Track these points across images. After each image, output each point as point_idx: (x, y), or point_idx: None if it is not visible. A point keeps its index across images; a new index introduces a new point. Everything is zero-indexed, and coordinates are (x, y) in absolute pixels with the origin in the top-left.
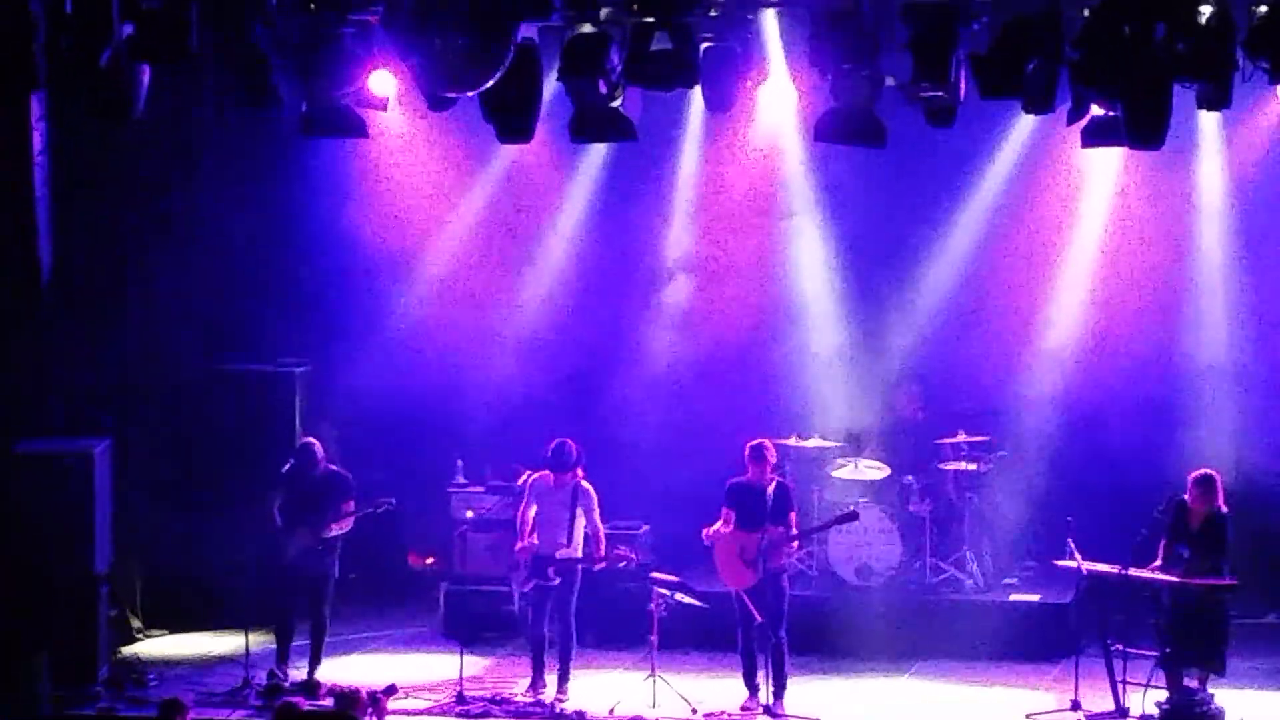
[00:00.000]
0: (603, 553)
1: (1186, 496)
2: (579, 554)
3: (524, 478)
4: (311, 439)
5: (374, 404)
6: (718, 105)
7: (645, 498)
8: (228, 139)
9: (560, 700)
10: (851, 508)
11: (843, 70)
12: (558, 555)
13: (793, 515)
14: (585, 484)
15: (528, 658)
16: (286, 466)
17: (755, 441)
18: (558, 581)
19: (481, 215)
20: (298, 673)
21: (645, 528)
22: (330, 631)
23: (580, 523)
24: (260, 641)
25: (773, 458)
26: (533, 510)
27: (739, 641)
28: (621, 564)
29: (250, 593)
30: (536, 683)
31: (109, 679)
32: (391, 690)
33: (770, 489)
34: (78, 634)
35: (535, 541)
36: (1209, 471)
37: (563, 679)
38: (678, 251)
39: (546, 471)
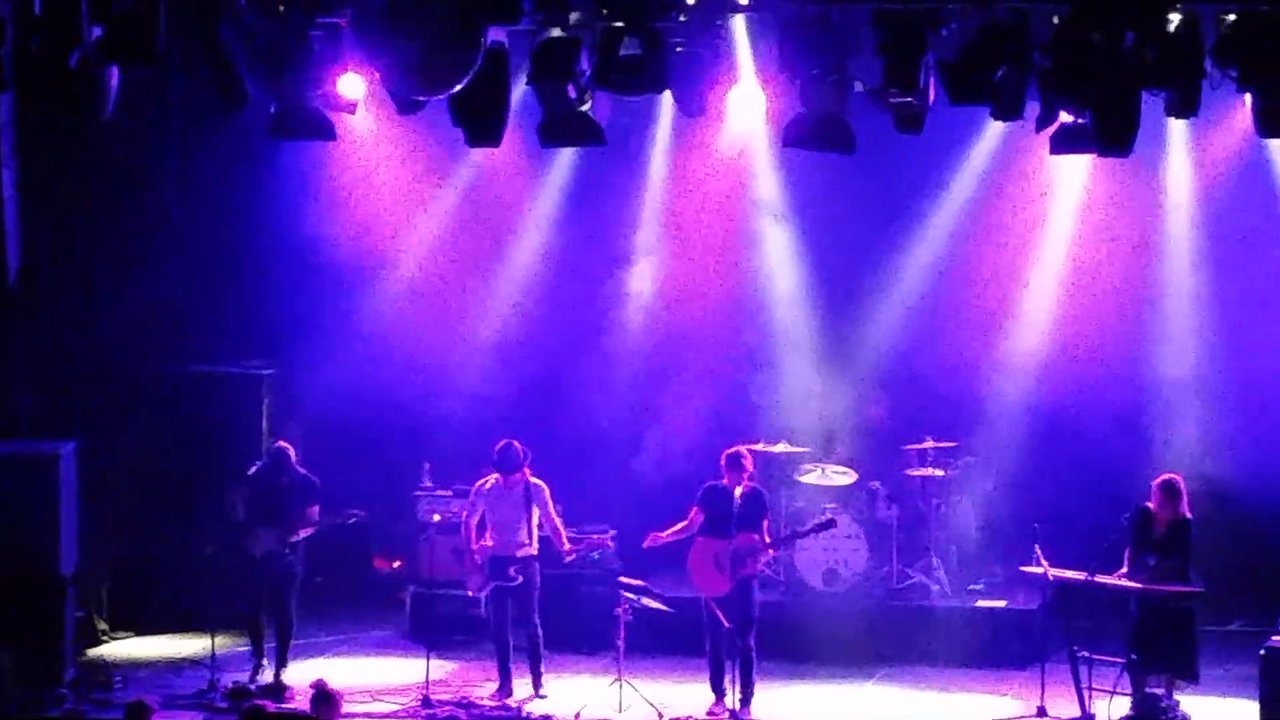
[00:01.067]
0: (565, 545)
1: (1150, 503)
2: (535, 552)
3: (491, 479)
4: (285, 443)
5: (341, 407)
6: (689, 109)
7: (612, 502)
8: (196, 141)
9: (539, 696)
10: (828, 516)
11: (812, 75)
12: (518, 555)
13: (765, 523)
14: (535, 480)
15: (494, 662)
16: (255, 467)
17: (732, 449)
18: (519, 581)
19: (450, 219)
20: (263, 675)
21: (612, 533)
22: (297, 634)
23: (534, 519)
24: (226, 644)
25: (749, 465)
26: (478, 515)
27: (706, 647)
28: (595, 552)
29: (216, 594)
30: (504, 687)
31: (75, 680)
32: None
33: (738, 493)
34: (43, 635)
35: (489, 544)
36: (1172, 477)
37: (536, 678)
38: (646, 256)
39: (494, 474)
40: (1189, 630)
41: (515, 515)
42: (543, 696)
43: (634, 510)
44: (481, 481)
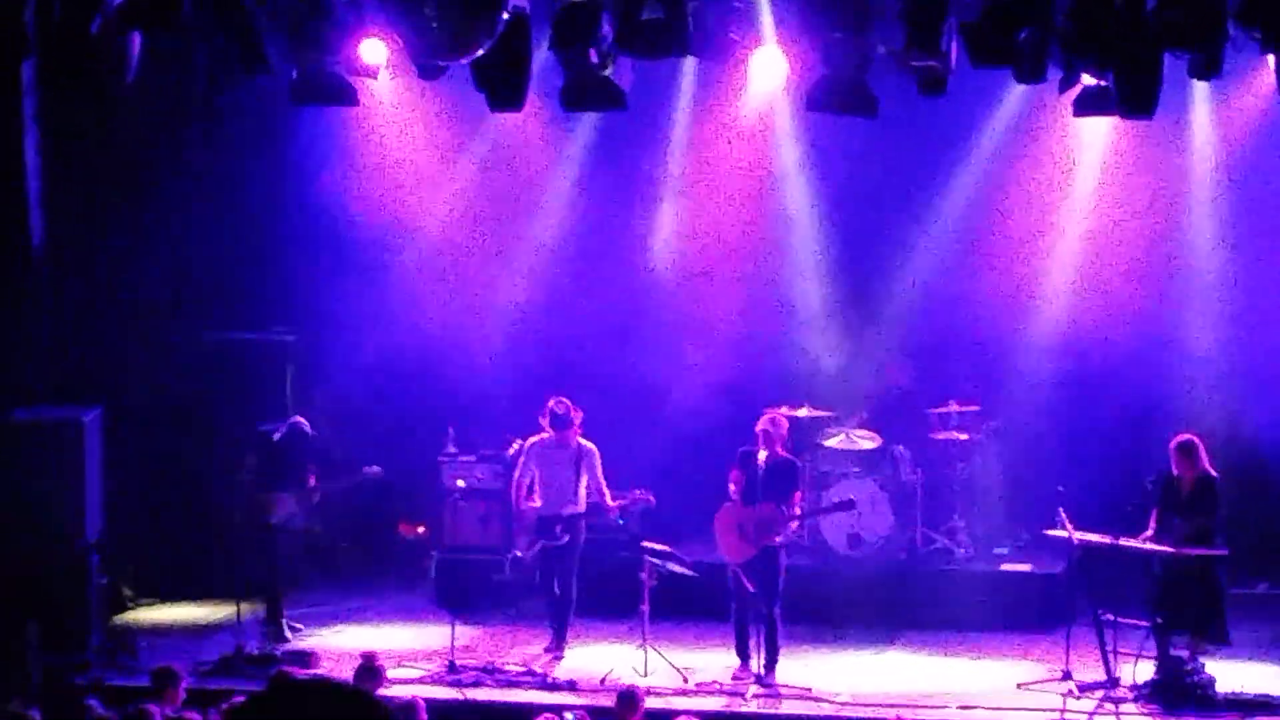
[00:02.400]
0: (612, 504)
1: (1173, 467)
2: (582, 510)
3: (515, 446)
4: (301, 419)
5: (365, 373)
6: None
7: (635, 468)
8: (219, 108)
9: (557, 656)
10: (849, 489)
11: (834, 39)
12: (564, 514)
13: (797, 495)
14: (587, 442)
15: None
16: (277, 432)
17: (766, 416)
18: (566, 539)
19: (472, 183)
20: (288, 642)
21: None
22: (322, 601)
23: (584, 481)
24: (251, 610)
25: (781, 432)
26: (529, 476)
27: (732, 612)
28: (640, 506)
29: (240, 560)
30: (556, 645)
31: (100, 647)
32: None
33: (763, 463)
34: (69, 603)
35: (537, 504)
36: (1189, 436)
37: (560, 637)
38: (667, 218)
39: (545, 433)
40: (1214, 592)
41: (564, 474)
42: (560, 657)
43: (656, 477)
44: (531, 441)
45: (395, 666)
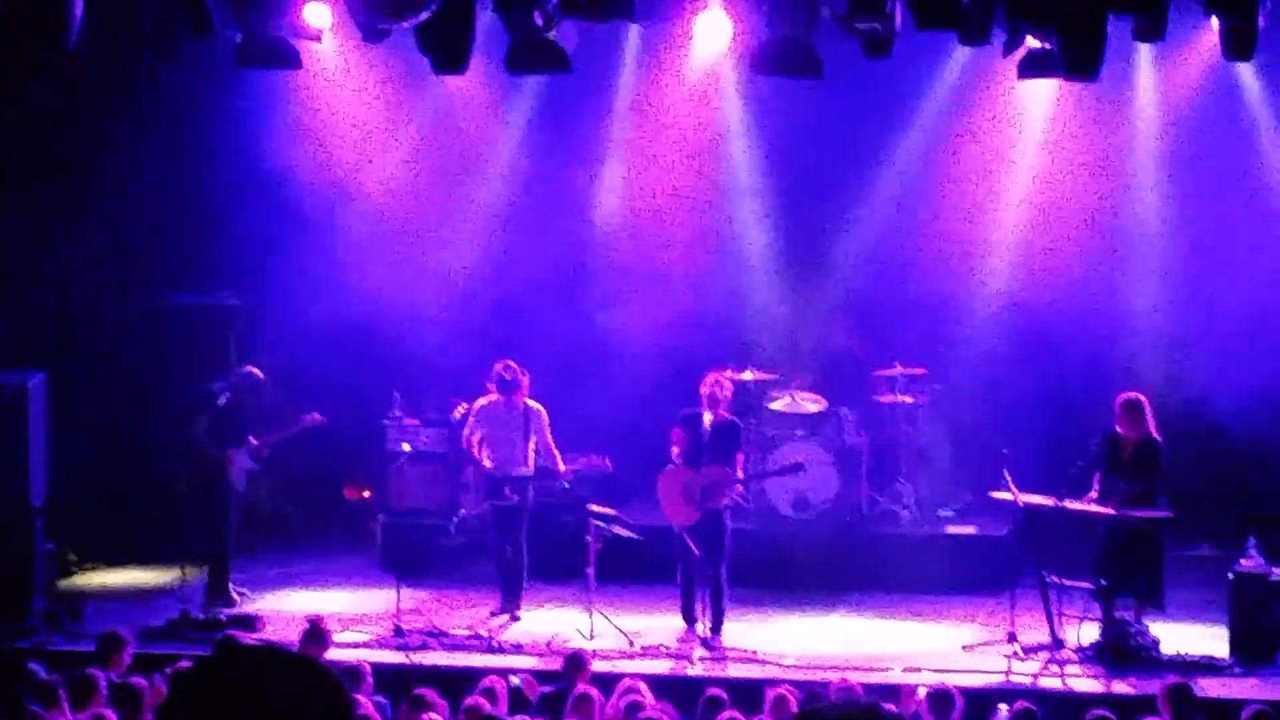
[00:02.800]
0: (561, 467)
1: (1117, 425)
2: (531, 473)
3: (460, 409)
4: (254, 368)
5: (310, 337)
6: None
7: (579, 432)
8: (163, 70)
9: (513, 619)
10: (795, 453)
11: (778, 1)
12: (514, 474)
13: (739, 456)
14: (535, 404)
15: (482, 587)
16: (223, 397)
17: (708, 377)
18: (515, 500)
19: (416, 147)
20: (236, 607)
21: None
22: (268, 564)
23: (532, 443)
24: (197, 574)
25: (724, 394)
26: (478, 434)
27: (678, 575)
28: (596, 472)
29: (186, 524)
30: (506, 606)
31: (45, 612)
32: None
33: (708, 425)
34: (13, 567)
35: (488, 464)
36: (1135, 395)
37: (512, 600)
38: (612, 181)
39: (492, 395)
40: (1156, 555)
41: (512, 435)
42: (516, 618)
43: (601, 440)
44: (479, 402)
45: (341, 630)
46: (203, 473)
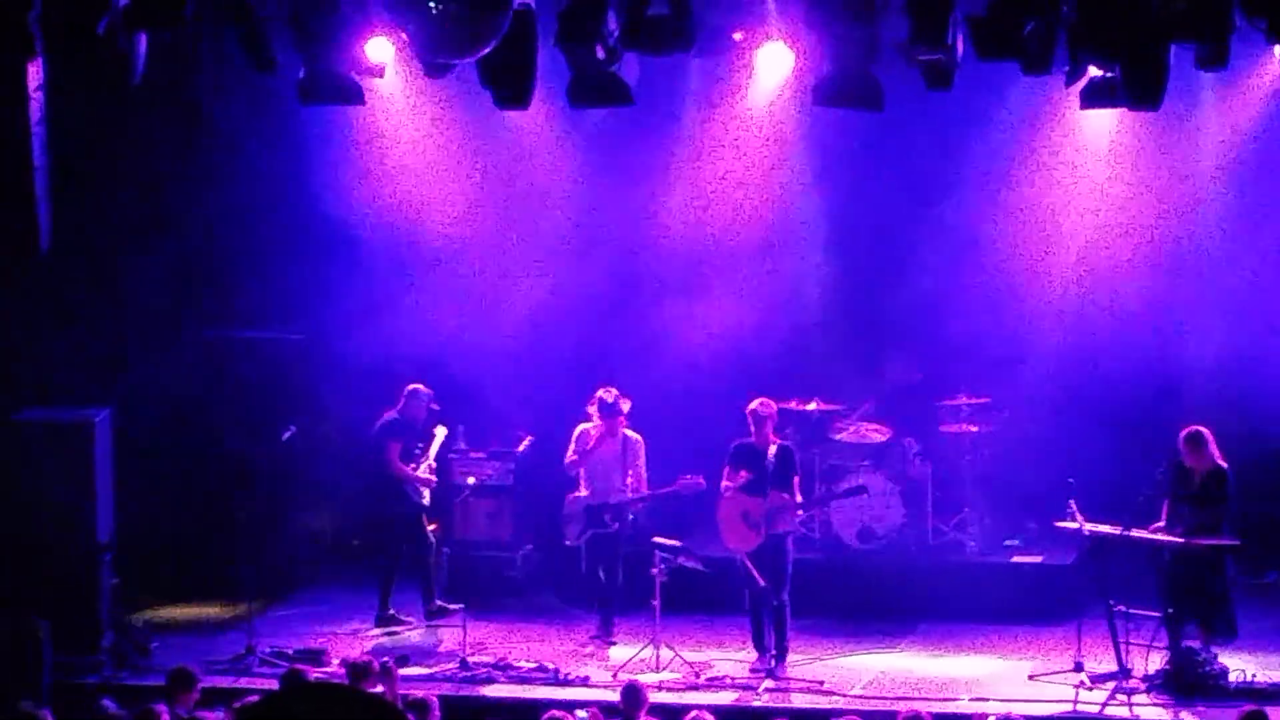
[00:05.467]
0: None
1: (1183, 459)
2: (629, 498)
3: (525, 443)
4: (420, 386)
5: (374, 372)
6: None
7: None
8: (225, 107)
9: (610, 642)
10: (860, 481)
11: (840, 33)
12: (613, 502)
13: (796, 480)
14: (633, 434)
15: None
16: (395, 418)
17: (752, 404)
18: (615, 527)
19: (479, 181)
20: (301, 640)
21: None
22: (332, 599)
23: (629, 472)
24: (260, 609)
25: (767, 413)
26: (579, 460)
27: (747, 604)
28: (692, 491)
29: (250, 559)
30: (603, 631)
31: (112, 647)
32: (403, 660)
33: (771, 452)
34: (80, 603)
35: (584, 493)
36: (1197, 428)
37: (609, 625)
38: (674, 214)
39: (594, 423)
40: (1224, 584)
41: (612, 463)
42: (612, 643)
43: (667, 471)
44: (582, 427)
45: (407, 663)
46: (395, 494)
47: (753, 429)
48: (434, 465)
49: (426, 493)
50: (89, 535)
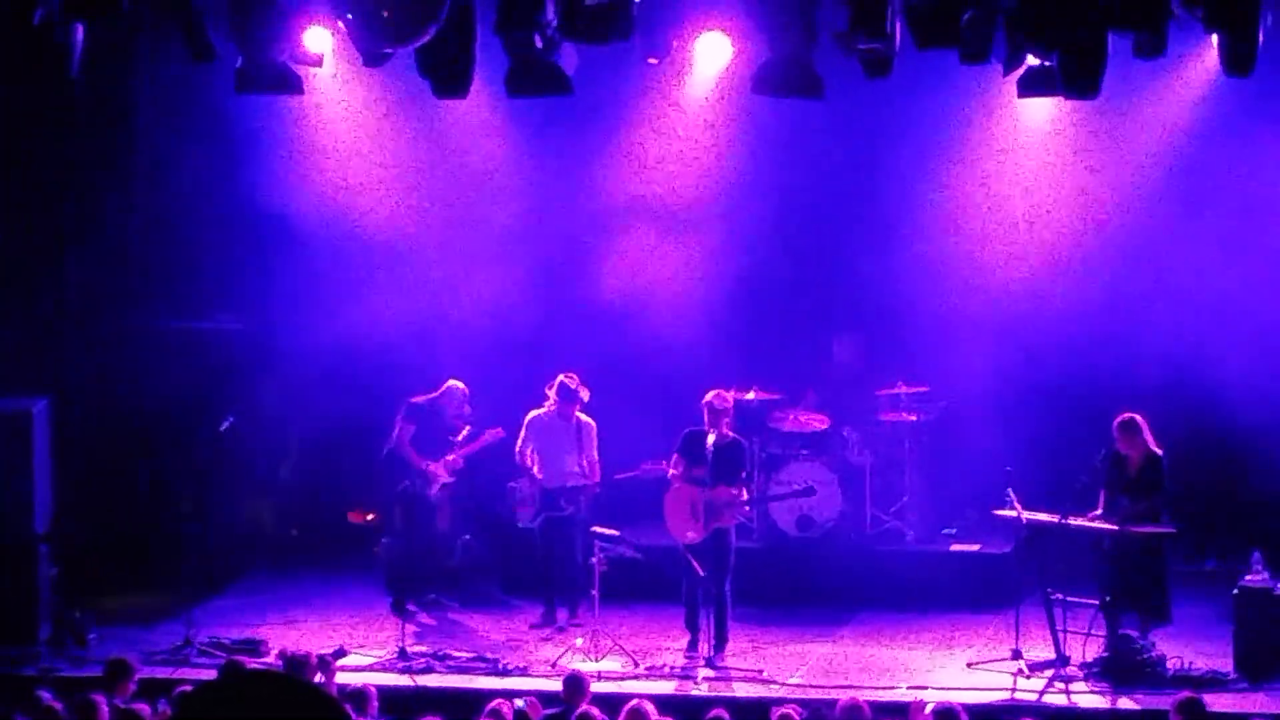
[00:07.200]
0: (596, 477)
1: (1118, 446)
2: (584, 483)
3: (464, 433)
4: (457, 382)
5: (316, 362)
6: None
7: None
8: (163, 97)
9: (575, 624)
10: (800, 471)
11: (779, 21)
12: (568, 485)
13: (744, 475)
14: (586, 418)
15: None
16: (421, 402)
17: (708, 395)
18: (570, 510)
19: (421, 169)
20: (240, 630)
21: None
22: (269, 588)
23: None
24: (199, 600)
25: (719, 403)
26: (530, 446)
27: (683, 593)
28: (653, 476)
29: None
30: (548, 615)
31: (51, 639)
32: (340, 653)
33: (711, 443)
34: (18, 594)
35: (539, 476)
36: (1131, 415)
37: (574, 607)
38: (614, 202)
39: (548, 406)
40: (1160, 571)
41: (566, 447)
42: (578, 624)
43: (612, 459)
44: (533, 413)
45: (346, 654)
46: (403, 482)
47: (707, 420)
48: (456, 462)
49: (436, 485)
50: (27, 526)
